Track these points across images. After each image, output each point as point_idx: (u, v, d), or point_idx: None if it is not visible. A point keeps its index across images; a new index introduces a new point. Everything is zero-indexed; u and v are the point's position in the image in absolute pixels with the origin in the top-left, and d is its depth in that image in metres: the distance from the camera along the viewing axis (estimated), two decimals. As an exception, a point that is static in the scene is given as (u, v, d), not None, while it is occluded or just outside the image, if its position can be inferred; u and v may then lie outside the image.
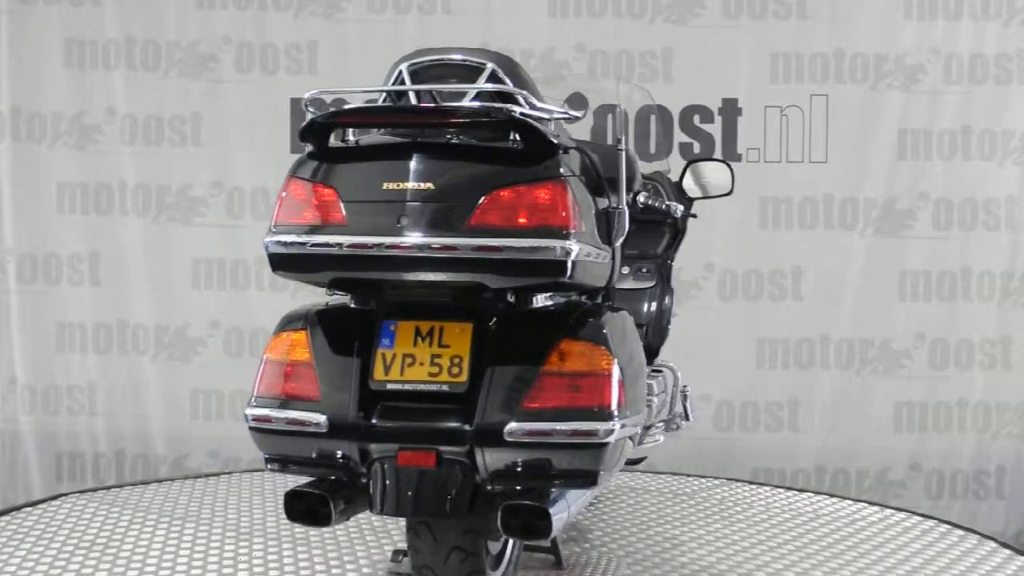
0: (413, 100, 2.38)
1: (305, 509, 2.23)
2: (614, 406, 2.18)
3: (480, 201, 2.15)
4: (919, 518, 3.84)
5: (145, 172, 4.88)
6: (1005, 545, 3.52)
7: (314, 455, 2.26)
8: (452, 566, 2.30)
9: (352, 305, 2.40)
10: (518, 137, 2.25)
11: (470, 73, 2.39)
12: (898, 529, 3.66)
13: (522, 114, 2.23)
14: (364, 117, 2.36)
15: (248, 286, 4.88)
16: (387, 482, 2.20)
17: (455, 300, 2.30)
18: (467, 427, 2.17)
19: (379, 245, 2.14)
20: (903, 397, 4.86)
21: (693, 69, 4.83)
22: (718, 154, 4.82)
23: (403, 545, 3.26)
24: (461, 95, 2.36)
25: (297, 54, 4.87)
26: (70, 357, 4.90)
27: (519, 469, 2.19)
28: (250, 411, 2.30)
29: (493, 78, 2.38)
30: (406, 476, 2.19)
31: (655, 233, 3.42)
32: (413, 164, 2.19)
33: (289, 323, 2.38)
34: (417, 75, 2.42)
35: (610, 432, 2.16)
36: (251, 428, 2.30)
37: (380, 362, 2.24)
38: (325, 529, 3.50)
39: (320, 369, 2.26)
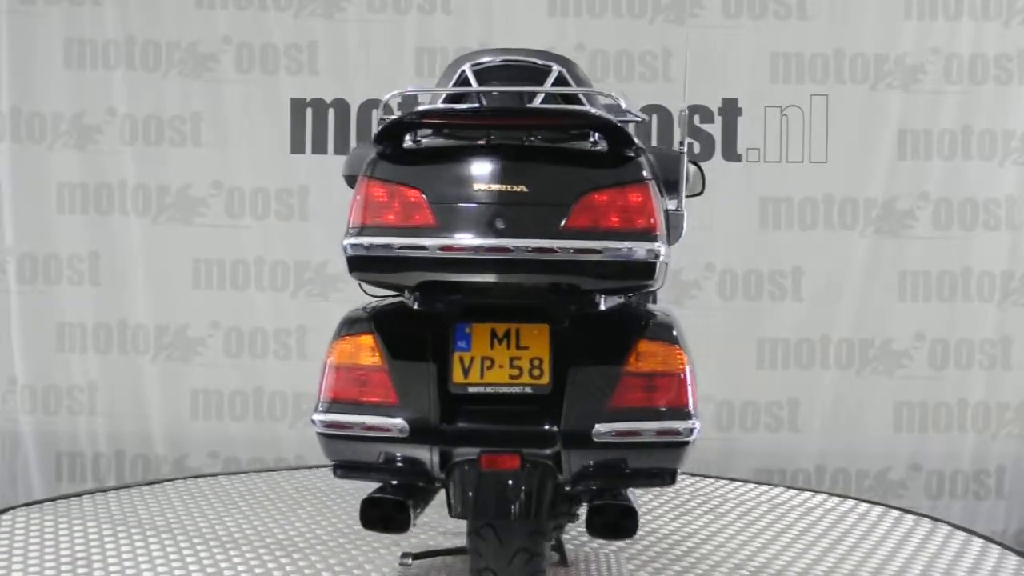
0: (484, 102, 2.36)
1: (380, 516, 2.21)
2: (691, 405, 2.26)
3: (574, 204, 2.16)
4: (915, 517, 3.84)
5: (145, 172, 4.87)
6: (1006, 547, 3.52)
7: (391, 460, 2.25)
8: (516, 568, 2.29)
9: (415, 307, 2.36)
10: (596, 138, 2.28)
11: (535, 75, 2.40)
12: (901, 529, 3.66)
13: (599, 116, 2.25)
14: (455, 118, 2.33)
15: (248, 286, 4.87)
16: (471, 486, 2.20)
17: (534, 302, 2.30)
18: (554, 428, 2.19)
19: (477, 247, 2.13)
20: (903, 397, 4.86)
21: (693, 69, 4.82)
22: (718, 154, 4.83)
23: (396, 547, 3.27)
24: (531, 97, 2.36)
25: (297, 54, 4.87)
26: (70, 357, 4.89)
27: (604, 469, 2.23)
28: (320, 417, 2.26)
29: (560, 80, 2.39)
30: (491, 479, 2.20)
31: None
32: (505, 166, 2.18)
33: (352, 327, 2.33)
34: (481, 76, 2.40)
35: (691, 430, 2.24)
36: (321, 435, 2.26)
37: (458, 365, 2.23)
38: (313, 536, 3.50)
39: (394, 373, 2.23)
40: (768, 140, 4.86)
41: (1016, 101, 4.84)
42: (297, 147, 4.87)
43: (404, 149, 2.26)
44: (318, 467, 4.37)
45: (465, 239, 2.13)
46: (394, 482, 2.28)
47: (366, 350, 2.27)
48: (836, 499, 4.11)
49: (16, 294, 4.88)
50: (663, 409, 2.24)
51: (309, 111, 4.88)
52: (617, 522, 2.20)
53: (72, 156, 4.87)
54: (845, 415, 4.86)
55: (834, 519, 3.78)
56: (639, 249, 2.16)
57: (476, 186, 2.16)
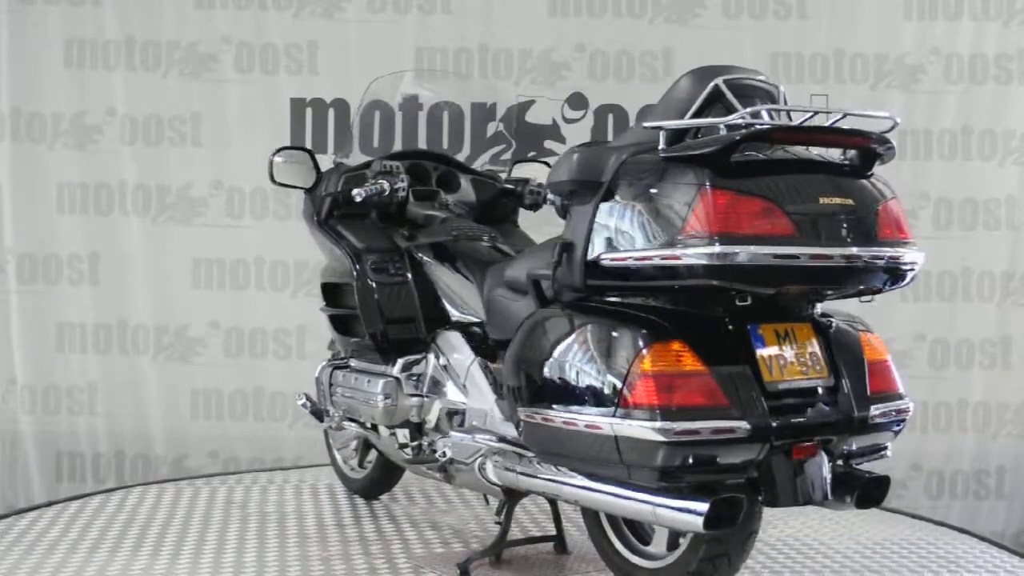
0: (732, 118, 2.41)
1: (718, 515, 2.28)
2: (902, 386, 2.54)
3: (877, 216, 2.40)
4: (916, 519, 3.84)
5: (145, 172, 4.88)
6: (1004, 547, 3.52)
7: (727, 461, 2.33)
8: (747, 549, 2.55)
9: (681, 309, 2.43)
10: (846, 155, 2.54)
11: (765, 94, 2.53)
12: (899, 530, 3.67)
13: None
14: (798, 134, 2.49)
15: (248, 286, 4.88)
16: (793, 475, 2.36)
17: (799, 303, 2.51)
18: (847, 416, 2.40)
19: (850, 256, 2.31)
20: (903, 397, 4.85)
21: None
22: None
23: (393, 561, 3.26)
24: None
25: (297, 54, 4.87)
26: (70, 357, 4.90)
27: (868, 448, 2.54)
28: (666, 425, 2.23)
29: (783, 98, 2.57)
30: (807, 467, 2.37)
31: None
32: (836, 180, 2.42)
33: (656, 335, 2.33)
34: (731, 90, 2.47)
35: (910, 409, 2.54)
36: (671, 443, 2.24)
37: (764, 364, 2.37)
38: (333, 552, 3.48)
39: (718, 377, 2.29)
40: (768, 140, 4.85)
41: (1016, 101, 4.85)
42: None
43: (734, 161, 2.32)
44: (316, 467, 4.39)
45: (828, 248, 2.29)
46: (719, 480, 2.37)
47: (680, 356, 2.30)
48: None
49: (16, 294, 4.89)
50: (893, 392, 2.52)
51: (309, 111, 4.88)
52: (872, 491, 2.46)
53: (72, 156, 4.87)
54: (845, 415, 4.85)
55: (832, 520, 3.78)
56: (920, 256, 2.44)
57: (822, 199, 2.33)
